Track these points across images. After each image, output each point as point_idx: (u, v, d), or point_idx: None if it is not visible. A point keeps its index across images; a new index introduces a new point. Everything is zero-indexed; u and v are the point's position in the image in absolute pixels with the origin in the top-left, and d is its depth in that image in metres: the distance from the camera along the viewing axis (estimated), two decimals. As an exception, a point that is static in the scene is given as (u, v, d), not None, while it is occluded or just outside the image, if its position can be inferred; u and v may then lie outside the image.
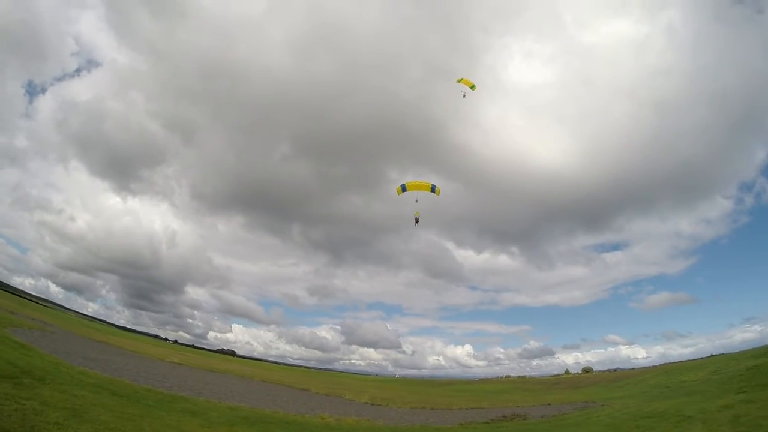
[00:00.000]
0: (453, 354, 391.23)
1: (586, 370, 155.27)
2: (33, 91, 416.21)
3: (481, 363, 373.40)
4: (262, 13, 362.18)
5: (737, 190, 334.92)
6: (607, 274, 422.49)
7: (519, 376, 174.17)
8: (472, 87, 45.19)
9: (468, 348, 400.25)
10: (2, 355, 19.30)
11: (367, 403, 39.29)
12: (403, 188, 37.15)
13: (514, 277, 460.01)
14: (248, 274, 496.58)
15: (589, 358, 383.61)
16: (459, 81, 45.55)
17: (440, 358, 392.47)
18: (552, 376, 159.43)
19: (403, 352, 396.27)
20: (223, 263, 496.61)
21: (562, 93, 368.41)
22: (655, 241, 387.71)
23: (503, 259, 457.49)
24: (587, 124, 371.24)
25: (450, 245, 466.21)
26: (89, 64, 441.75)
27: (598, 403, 41.45)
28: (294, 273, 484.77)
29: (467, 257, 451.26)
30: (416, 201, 37.67)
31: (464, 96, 45.94)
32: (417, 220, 38.75)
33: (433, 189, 36.81)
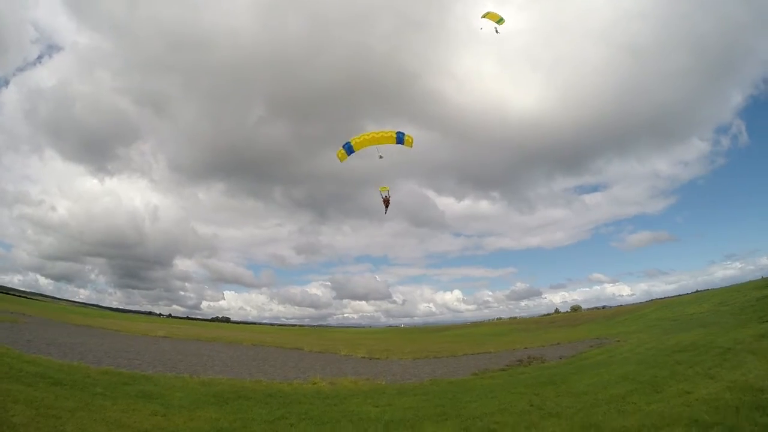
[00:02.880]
0: (443, 300, 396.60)
1: (575, 309, 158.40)
2: None
3: (470, 307, 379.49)
4: None
5: (714, 133, 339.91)
6: (587, 216, 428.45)
7: (510, 318, 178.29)
8: (500, 21, 40.54)
9: (457, 293, 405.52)
10: None
11: (364, 357, 37.32)
12: (348, 149, 26.32)
13: (496, 222, 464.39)
14: (234, 240, 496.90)
15: (575, 297, 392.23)
16: (484, 16, 40.87)
17: (431, 305, 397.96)
18: (542, 315, 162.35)
19: (394, 302, 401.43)
20: (208, 232, 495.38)
21: (537, 39, 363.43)
22: (633, 182, 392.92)
23: (484, 205, 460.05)
24: (562, 69, 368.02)
25: (431, 194, 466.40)
26: (50, 49, 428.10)
27: (609, 339, 40.53)
28: (279, 234, 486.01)
29: (449, 205, 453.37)
30: (380, 157, 26.80)
31: (497, 32, 41.68)
32: (387, 202, 28.59)
33: (400, 140, 25.77)
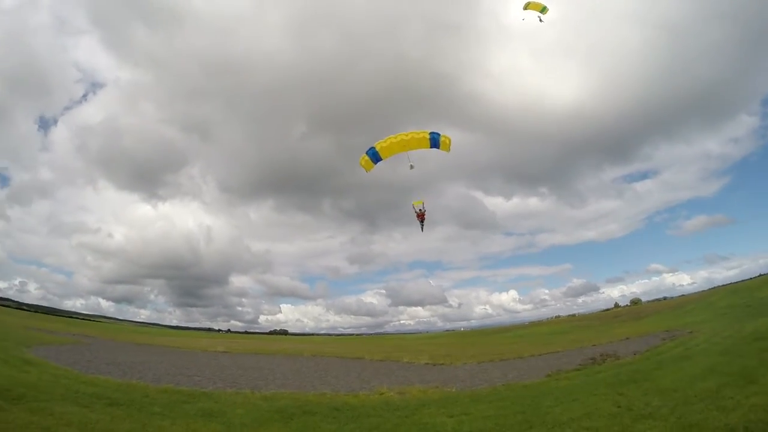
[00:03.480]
0: (499, 301, 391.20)
1: (635, 302, 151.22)
2: (45, 125, 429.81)
3: (527, 306, 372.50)
4: (253, 2, 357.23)
5: (761, 106, 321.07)
6: (640, 204, 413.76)
7: (569, 315, 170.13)
8: (543, 9, 38.95)
9: (513, 293, 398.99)
10: None
11: (428, 363, 35.60)
12: (374, 156, 22.21)
13: (547, 218, 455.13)
14: (287, 255, 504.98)
15: (634, 290, 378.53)
16: (526, 7, 39.42)
17: (487, 306, 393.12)
18: (602, 311, 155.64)
19: (450, 305, 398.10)
20: (261, 248, 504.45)
21: (569, 27, 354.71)
22: (684, 165, 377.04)
23: (533, 202, 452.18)
24: (598, 56, 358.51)
25: (479, 195, 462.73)
26: (94, 86, 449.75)
27: (680, 330, 38.36)
28: (331, 245, 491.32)
29: (498, 204, 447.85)
30: (411, 167, 22.65)
31: (541, 21, 40.33)
32: (422, 217, 24.68)
33: (435, 142, 21.72)
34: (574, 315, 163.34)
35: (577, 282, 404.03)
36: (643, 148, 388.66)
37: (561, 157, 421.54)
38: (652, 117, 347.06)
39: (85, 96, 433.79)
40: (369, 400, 17.99)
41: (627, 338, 40.54)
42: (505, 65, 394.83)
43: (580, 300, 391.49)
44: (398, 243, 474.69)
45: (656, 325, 51.93)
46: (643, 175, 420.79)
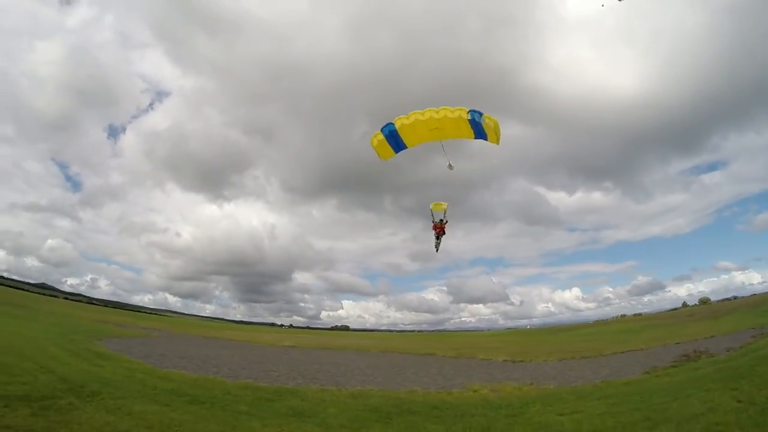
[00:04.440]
0: (561, 299, 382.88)
1: (704, 301, 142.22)
2: (114, 133, 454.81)
3: (590, 305, 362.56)
4: (310, 6, 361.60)
5: None
6: (708, 197, 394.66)
7: (634, 314, 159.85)
8: None
9: (576, 291, 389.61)
10: (62, 370, 15.97)
11: (506, 360, 34.17)
12: (394, 140, 16.06)
13: (611, 213, 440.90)
14: (349, 252, 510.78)
15: (702, 288, 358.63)
16: None
17: (549, 304, 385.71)
18: (670, 310, 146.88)
19: (512, 303, 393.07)
20: (324, 246, 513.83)
21: (629, 15, 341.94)
22: (754, 155, 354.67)
23: (597, 197, 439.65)
24: (660, 43, 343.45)
25: (541, 190, 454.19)
26: (159, 95, 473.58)
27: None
28: (393, 242, 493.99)
29: (560, 199, 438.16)
30: (450, 167, 16.79)
31: (602, 5, 37.82)
32: (440, 229, 19.03)
33: (477, 125, 14.87)
34: (640, 314, 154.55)
35: (642, 280, 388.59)
36: (710, 138, 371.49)
37: (625, 149, 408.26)
38: (719, 105, 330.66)
39: (151, 105, 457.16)
40: (465, 397, 16.92)
41: (712, 336, 37.88)
42: (564, 57, 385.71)
43: (645, 299, 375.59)
44: (460, 240, 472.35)
45: (738, 323, 48.04)
46: (711, 167, 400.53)
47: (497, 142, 15.49)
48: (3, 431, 8.57)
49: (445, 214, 19.12)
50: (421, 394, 17.43)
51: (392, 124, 15.25)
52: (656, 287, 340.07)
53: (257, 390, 16.71)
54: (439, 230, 19.31)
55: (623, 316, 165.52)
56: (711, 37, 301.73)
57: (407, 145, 16.16)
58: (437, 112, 14.65)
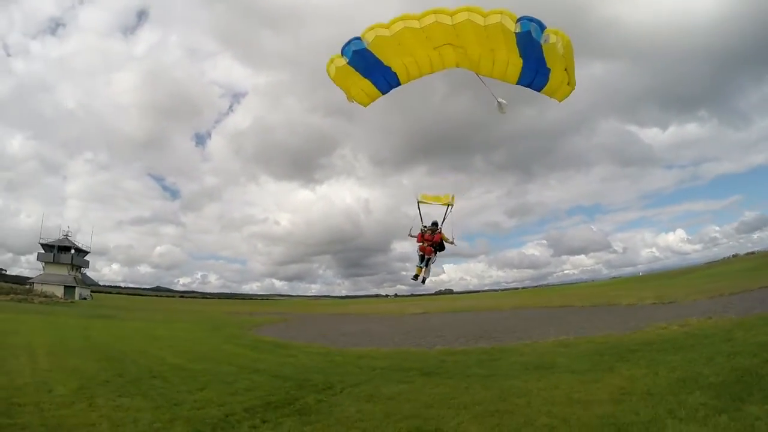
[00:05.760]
0: (665, 242, 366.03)
1: None
2: (201, 140, 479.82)
3: (696, 247, 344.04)
4: None
5: None
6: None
7: (746, 253, 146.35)
8: None
9: (680, 233, 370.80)
10: (267, 368, 15.80)
11: (655, 303, 33.92)
12: (361, 62, 9.45)
13: (709, 145, 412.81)
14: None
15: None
16: None
17: (653, 249, 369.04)
18: None
19: (614, 251, 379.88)
20: (416, 212, 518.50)
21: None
22: None
23: (692, 129, 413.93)
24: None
25: (632, 128, 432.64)
26: (237, 97, 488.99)
27: None
28: (488, 201, 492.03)
29: (654, 136, 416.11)
30: (501, 106, 9.42)
31: None
32: (435, 245, 12.72)
33: (532, 48, 7.88)
34: (752, 253, 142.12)
35: (750, 215, 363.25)
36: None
37: (715, 73, 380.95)
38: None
39: (231, 107, 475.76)
40: (666, 334, 16.99)
41: None
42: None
43: (755, 236, 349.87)
44: (554, 190, 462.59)
45: None
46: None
47: (566, 89, 8.88)
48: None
49: (450, 208, 12.47)
50: (627, 336, 17.58)
51: (359, 39, 9.16)
52: (766, 222, 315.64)
53: (465, 353, 17.34)
54: (429, 251, 12.76)
55: (735, 256, 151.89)
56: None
57: (398, 76, 10.26)
58: (451, 15, 8.13)
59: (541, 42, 7.63)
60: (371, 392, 11.39)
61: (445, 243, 12.81)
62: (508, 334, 23.82)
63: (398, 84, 10.60)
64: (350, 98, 10.92)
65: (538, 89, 9.10)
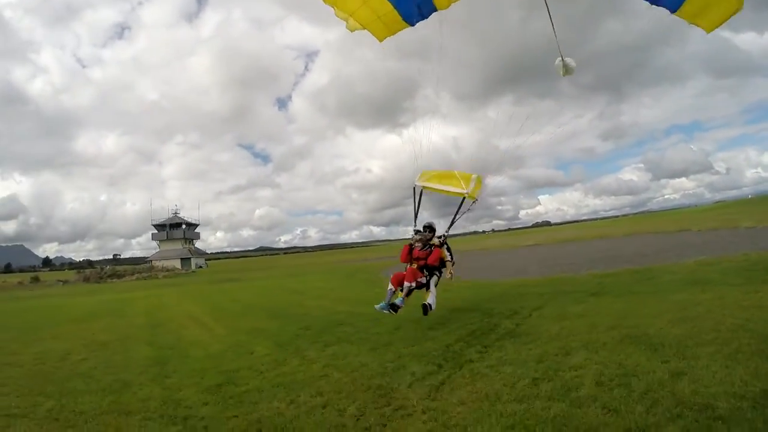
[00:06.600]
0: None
1: None
2: (283, 104, 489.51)
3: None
4: None
5: None
6: None
7: None
8: None
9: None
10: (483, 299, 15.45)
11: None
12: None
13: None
14: (537, 145, 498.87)
15: None
16: None
17: (759, 169, 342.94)
18: None
19: (717, 172, 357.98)
20: (510, 144, 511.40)
21: None
22: None
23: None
24: None
25: (726, 34, 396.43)
26: (310, 56, 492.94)
27: None
28: (579, 126, 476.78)
29: (751, 41, 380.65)
30: (569, 67, 8.60)
31: None
32: (419, 284, 10.07)
33: None
34: None
35: None
36: None
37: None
38: None
39: (306, 67, 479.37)
40: None
41: None
42: None
43: None
44: (649, 108, 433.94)
45: None
46: None
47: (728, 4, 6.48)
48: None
49: (460, 211, 9.47)
50: (760, 254, 18.04)
51: None
52: None
53: (616, 275, 17.86)
54: (418, 277, 9.70)
55: None
56: None
57: (437, 7, 7.68)
58: None
59: None
60: (559, 312, 11.60)
61: (443, 257, 9.63)
62: (641, 257, 24.16)
63: (433, 9, 7.69)
64: (352, 26, 8.18)
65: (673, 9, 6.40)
